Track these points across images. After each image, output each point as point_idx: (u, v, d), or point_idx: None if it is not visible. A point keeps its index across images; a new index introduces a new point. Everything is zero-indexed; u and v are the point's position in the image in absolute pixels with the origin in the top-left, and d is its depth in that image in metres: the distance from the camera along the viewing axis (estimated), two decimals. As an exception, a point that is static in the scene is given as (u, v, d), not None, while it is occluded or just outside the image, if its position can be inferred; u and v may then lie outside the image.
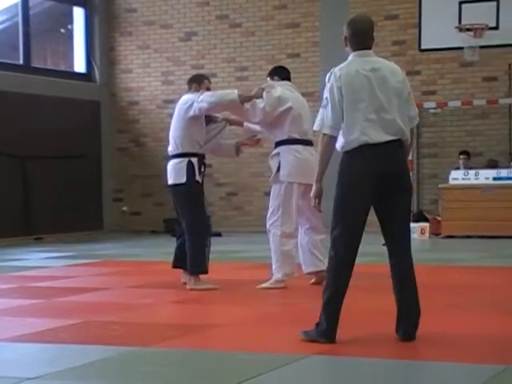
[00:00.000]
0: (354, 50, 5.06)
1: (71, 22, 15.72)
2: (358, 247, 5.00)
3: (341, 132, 4.92)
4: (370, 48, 5.08)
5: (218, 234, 12.66)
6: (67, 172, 14.51)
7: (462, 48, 12.79)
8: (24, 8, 14.24)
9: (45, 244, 12.98)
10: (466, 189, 12.80)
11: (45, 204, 14.10)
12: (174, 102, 15.66)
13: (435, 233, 13.02)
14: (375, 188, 4.92)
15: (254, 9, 14.97)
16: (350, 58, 5.08)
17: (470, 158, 13.49)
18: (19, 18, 14.27)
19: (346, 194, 4.91)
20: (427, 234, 12.93)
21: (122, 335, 5.37)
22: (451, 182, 13.02)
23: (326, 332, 4.91)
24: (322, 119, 4.97)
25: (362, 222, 4.97)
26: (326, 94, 4.97)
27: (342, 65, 5.05)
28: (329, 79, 5.00)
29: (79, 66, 15.64)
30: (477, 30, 12.60)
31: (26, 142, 13.83)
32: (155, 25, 15.57)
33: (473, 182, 12.84)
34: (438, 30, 12.84)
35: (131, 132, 15.64)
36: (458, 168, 13.34)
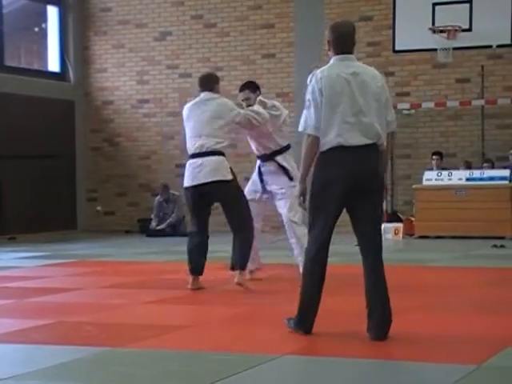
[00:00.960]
0: (336, 53, 5.18)
1: (45, 21, 15.63)
2: (328, 244, 5.18)
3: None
4: (351, 52, 5.20)
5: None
6: (41, 171, 14.42)
7: (435, 49, 12.87)
8: (-3, 6, 14.15)
9: (18, 244, 12.90)
10: (439, 189, 12.88)
11: (18, 203, 14.00)
12: (148, 101, 15.71)
13: (409, 233, 13.09)
14: (347, 189, 5.03)
15: (228, 9, 14.97)
16: (331, 61, 5.19)
17: (442, 159, 13.57)
18: (-8, 17, 14.17)
19: (319, 194, 5.04)
20: (401, 235, 12.99)
21: (95, 336, 5.35)
22: (425, 182, 13.09)
23: (301, 323, 5.11)
24: (306, 120, 5.09)
25: (333, 221, 5.12)
26: (309, 95, 5.09)
27: (323, 67, 5.18)
28: (310, 81, 5.12)
29: (53, 65, 15.56)
30: (450, 32, 12.69)
31: (0, 141, 13.75)
32: (130, 24, 15.52)
33: (446, 182, 12.92)
34: (412, 32, 12.91)
35: (105, 131, 15.58)
36: (431, 169, 13.42)
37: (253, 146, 7.79)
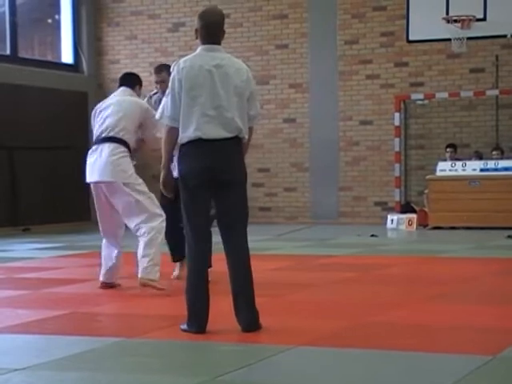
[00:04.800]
0: (203, 43, 5.08)
1: (58, 12, 15.65)
2: (206, 236, 5.03)
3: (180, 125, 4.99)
4: (218, 43, 5.10)
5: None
6: (54, 163, 14.46)
7: (449, 39, 12.81)
8: (11, -2, 14.18)
9: (32, 235, 12.95)
10: (453, 180, 12.84)
11: (32, 195, 14.05)
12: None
13: (422, 224, 13.06)
14: (208, 181, 4.96)
15: (242, -1, 14.95)
16: (197, 50, 5.10)
17: (456, 151, 13.52)
18: (6, 8, 14.19)
19: (183, 187, 5.00)
20: (414, 226, 12.97)
21: (108, 326, 5.38)
22: (438, 173, 13.05)
23: (191, 321, 5.00)
24: (163, 109, 5.05)
25: (202, 212, 5.00)
26: (169, 83, 5.03)
27: (188, 56, 5.09)
28: (172, 69, 5.05)
29: (66, 56, 15.58)
30: (464, 22, 12.62)
31: (13, 133, 13.78)
32: (143, 15, 15.52)
33: (460, 173, 12.87)
34: (426, 22, 12.85)
35: (119, 123, 15.58)
36: (445, 160, 13.37)
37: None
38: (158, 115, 5.13)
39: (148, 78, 15.60)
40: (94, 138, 7.03)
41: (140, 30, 15.54)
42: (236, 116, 4.98)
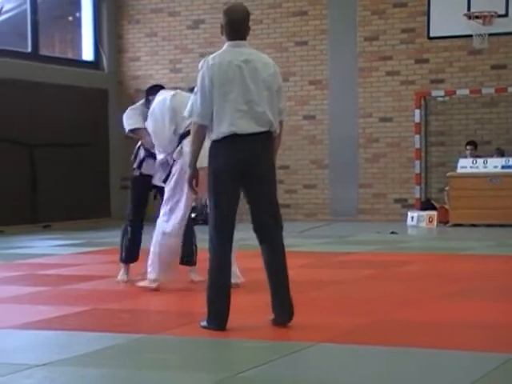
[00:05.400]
0: (229, 39, 5.12)
1: (79, 10, 15.70)
2: (230, 234, 5.05)
3: (212, 122, 4.96)
4: (244, 38, 5.14)
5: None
6: (75, 160, 14.52)
7: (470, 36, 12.74)
8: (32, -4, 14.25)
9: (53, 232, 13.02)
10: (474, 177, 12.77)
11: (53, 192, 14.12)
12: (181, 89, 15.69)
13: (443, 221, 13.00)
14: (240, 176, 4.97)
15: (261, -4, 14.93)
16: (224, 47, 5.13)
17: (476, 149, 13.45)
18: (27, 6, 14.26)
19: (215, 183, 4.98)
20: (435, 223, 12.92)
21: (129, 323, 5.40)
22: (459, 170, 12.99)
23: (212, 319, 4.98)
24: (192, 106, 5.04)
25: (232, 209, 5.01)
26: (198, 82, 5.03)
27: (215, 53, 5.11)
28: (201, 66, 5.05)
29: (87, 53, 15.63)
30: (486, 18, 12.55)
31: (34, 130, 13.85)
32: (163, 12, 15.54)
33: (481, 170, 12.80)
34: (447, 18, 12.79)
35: (139, 120, 15.62)
36: (465, 157, 13.31)
37: None
38: (186, 113, 5.10)
39: (168, 74, 15.65)
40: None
41: (160, 28, 15.57)
42: (267, 110, 5.00)
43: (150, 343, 4.79)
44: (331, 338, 4.78)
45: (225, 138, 4.95)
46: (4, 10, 14.14)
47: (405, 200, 14.05)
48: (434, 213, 13.06)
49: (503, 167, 12.72)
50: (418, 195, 13.64)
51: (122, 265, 7.21)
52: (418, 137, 13.68)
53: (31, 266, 8.48)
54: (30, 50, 14.30)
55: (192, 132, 5.09)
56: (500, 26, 12.57)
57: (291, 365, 4.33)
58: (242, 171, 4.97)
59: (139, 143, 7.45)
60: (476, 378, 3.90)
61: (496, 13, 12.52)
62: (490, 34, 12.63)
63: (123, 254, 7.15)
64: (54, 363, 4.30)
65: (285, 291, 5.08)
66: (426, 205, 13.52)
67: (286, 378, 4.08)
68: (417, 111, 13.68)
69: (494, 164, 12.82)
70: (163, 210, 6.65)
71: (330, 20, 14.50)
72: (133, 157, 7.45)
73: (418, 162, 13.68)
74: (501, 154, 13.26)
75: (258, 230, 5.10)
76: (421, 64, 14.03)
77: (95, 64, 15.57)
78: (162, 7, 15.54)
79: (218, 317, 5.00)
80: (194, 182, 5.11)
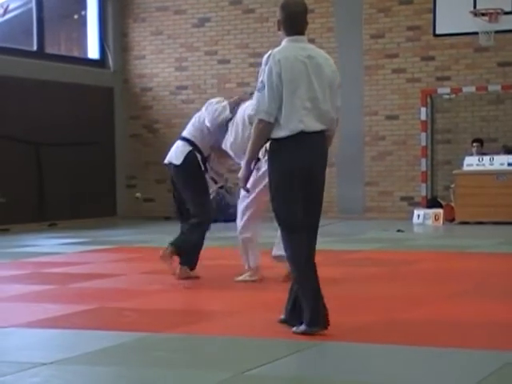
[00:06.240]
0: (288, 34, 4.93)
1: (85, 8, 15.71)
2: (308, 235, 4.84)
3: (278, 119, 4.78)
4: (303, 33, 4.97)
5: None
6: (81, 158, 14.53)
7: (476, 33, 12.71)
8: (37, -6, 14.25)
9: (59, 230, 13.03)
10: (480, 175, 12.74)
11: (59, 190, 14.13)
12: (187, 88, 15.74)
13: (449, 219, 12.98)
14: (307, 175, 4.81)
15: (267, -6, 14.90)
16: (283, 43, 4.94)
17: (482, 146, 13.42)
18: (33, 4, 14.27)
19: (283, 185, 4.80)
20: (441, 220, 12.89)
21: (136, 321, 5.39)
22: (465, 167, 12.96)
23: (314, 319, 4.76)
24: (258, 103, 4.81)
25: (301, 208, 4.82)
26: (263, 77, 4.82)
27: (278, 48, 4.91)
28: (266, 62, 4.85)
29: (93, 52, 15.64)
30: (492, 15, 12.51)
31: (40, 129, 13.86)
32: (169, 11, 15.53)
33: (487, 167, 12.77)
34: (453, 15, 12.76)
35: (144, 118, 15.64)
36: (471, 154, 13.27)
37: None
38: (252, 111, 4.91)
39: (173, 73, 15.64)
40: None
41: (166, 26, 15.56)
42: (330, 107, 4.87)
43: (156, 341, 4.78)
44: (337, 337, 4.77)
45: (293, 136, 4.75)
46: (10, 8, 14.15)
47: (411, 198, 14.02)
48: (440, 211, 13.03)
49: (509, 164, 12.69)
50: (424, 193, 13.62)
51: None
52: (423, 134, 13.66)
53: (37, 264, 8.48)
54: (35, 48, 14.31)
55: (256, 130, 4.80)
56: (506, 23, 12.54)
57: (297, 363, 4.32)
58: (309, 170, 4.79)
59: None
60: (483, 377, 3.89)
61: (502, 10, 12.49)
62: (496, 32, 12.60)
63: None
64: (59, 362, 4.29)
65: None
66: (432, 202, 13.49)
67: (292, 377, 4.07)
68: (423, 109, 13.65)
69: (501, 161, 12.78)
70: (240, 206, 6.88)
71: (337, 18, 14.47)
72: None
73: (423, 160, 13.65)
74: (507, 151, 13.22)
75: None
76: (427, 61, 14.00)
77: (101, 62, 15.57)
78: (167, 5, 15.53)
79: (321, 315, 4.76)
80: (246, 180, 4.95)
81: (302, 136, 4.77)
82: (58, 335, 5.02)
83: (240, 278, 6.98)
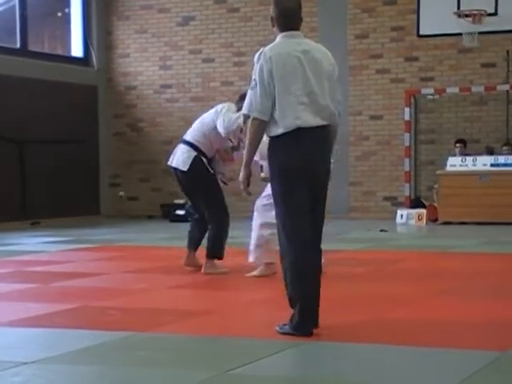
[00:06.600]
0: (282, 30, 4.89)
1: (68, 6, 15.64)
2: (311, 236, 4.76)
3: (273, 116, 4.74)
4: (298, 29, 4.92)
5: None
6: (64, 157, 14.47)
7: (460, 34, 12.76)
8: (21, -8, 14.17)
9: (41, 229, 12.97)
10: (463, 175, 12.79)
11: (41, 189, 14.07)
12: (171, 86, 15.71)
13: (432, 219, 13.02)
14: (308, 171, 4.75)
15: (252, -7, 14.89)
16: (278, 39, 4.90)
17: (466, 147, 13.47)
18: (16, 2, 14.19)
19: (280, 180, 4.76)
20: (424, 221, 12.93)
21: (118, 320, 5.37)
22: (449, 168, 13.01)
23: (301, 322, 4.73)
24: (251, 102, 4.77)
25: (305, 207, 4.75)
26: (255, 75, 4.80)
27: (271, 45, 4.87)
28: (258, 60, 4.84)
29: (76, 50, 15.57)
30: (475, 16, 12.57)
31: (23, 127, 13.79)
32: (153, 9, 15.49)
33: (470, 168, 12.83)
34: (437, 16, 12.80)
35: (128, 117, 15.60)
36: (455, 155, 13.32)
37: None
38: (245, 109, 4.89)
39: (157, 71, 15.60)
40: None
41: (150, 24, 15.52)
42: (329, 102, 4.82)
43: (140, 341, 4.76)
44: (322, 336, 4.77)
45: (289, 132, 4.70)
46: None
47: (394, 198, 14.06)
48: (423, 211, 13.08)
49: (492, 165, 12.75)
50: (407, 193, 13.65)
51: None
52: (407, 135, 13.69)
53: (19, 263, 8.43)
54: (18, 46, 14.23)
55: (250, 130, 4.77)
56: (490, 24, 12.60)
57: (281, 362, 4.32)
58: (308, 167, 4.73)
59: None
60: (466, 376, 3.90)
61: (486, 11, 12.55)
62: (480, 33, 12.65)
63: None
64: (41, 361, 4.27)
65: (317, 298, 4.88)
66: (416, 203, 13.53)
67: (275, 376, 4.06)
68: (406, 109, 13.69)
69: (483, 162, 12.84)
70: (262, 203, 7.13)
71: (320, 18, 14.48)
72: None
73: (407, 160, 13.69)
74: (490, 152, 13.29)
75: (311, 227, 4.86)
76: (411, 62, 14.04)
77: (84, 60, 15.52)
78: (151, 4, 15.50)
79: (309, 319, 4.72)
80: (246, 182, 4.88)
81: (299, 132, 4.73)
82: (40, 334, 4.99)
83: (254, 273, 7.15)
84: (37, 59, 14.32)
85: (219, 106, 7.44)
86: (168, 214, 14.45)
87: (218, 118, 7.27)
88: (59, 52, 15.78)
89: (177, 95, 15.39)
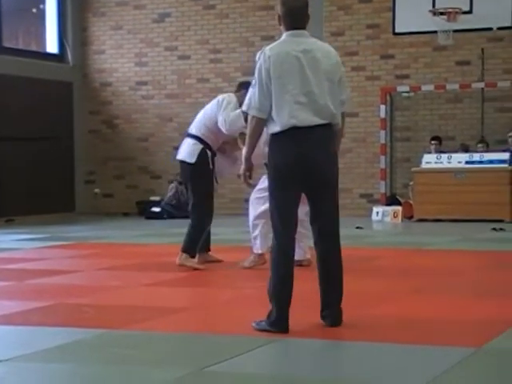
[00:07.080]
0: (288, 29, 4.93)
1: (43, 2, 15.53)
2: (295, 232, 4.92)
3: (271, 114, 4.80)
4: (304, 27, 4.96)
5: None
6: (39, 153, 14.38)
7: (435, 32, 12.81)
8: (-5, -13, 14.05)
9: (16, 226, 12.88)
10: (438, 173, 12.86)
11: (16, 186, 13.97)
12: (147, 83, 15.65)
13: (407, 216, 13.08)
14: (304, 171, 4.79)
15: (228, -10, 14.87)
16: (282, 37, 4.95)
17: (441, 144, 13.54)
18: (-10, -3, 14.08)
19: (274, 177, 4.84)
20: (400, 218, 12.98)
21: (93, 318, 5.34)
22: (424, 165, 13.07)
23: (277, 319, 4.77)
24: (250, 100, 4.87)
25: (295, 206, 4.87)
26: (256, 74, 4.88)
27: (273, 44, 4.93)
28: (258, 58, 4.90)
29: (51, 46, 15.47)
30: (450, 14, 12.62)
31: (-3, 123, 13.68)
32: (128, 5, 15.43)
33: (445, 165, 12.90)
34: (412, 14, 12.84)
35: (104, 113, 15.52)
36: (430, 152, 13.39)
37: None
38: (244, 107, 4.95)
39: (133, 68, 15.54)
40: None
41: (125, 21, 15.45)
42: (328, 102, 4.81)
43: (114, 338, 4.74)
44: (299, 334, 4.77)
45: (285, 131, 4.73)
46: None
47: (370, 195, 14.11)
48: (398, 208, 13.13)
49: (467, 162, 12.82)
50: (383, 190, 13.70)
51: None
52: (383, 132, 13.74)
53: (-7, 260, 8.37)
54: (-8, 42, 14.12)
55: (250, 126, 4.87)
56: (465, 22, 12.65)
57: (257, 359, 4.31)
58: (306, 165, 4.75)
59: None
60: (439, 373, 3.91)
61: (460, 9, 12.60)
62: (455, 31, 12.71)
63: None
64: (14, 359, 4.24)
65: (341, 291, 5.01)
66: (391, 200, 13.58)
67: (251, 373, 4.06)
68: (382, 107, 13.73)
69: (458, 159, 12.91)
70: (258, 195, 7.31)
71: (297, 15, 14.47)
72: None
73: (383, 158, 13.73)
74: (465, 149, 13.37)
75: (317, 226, 4.99)
76: (386, 60, 14.08)
77: (59, 57, 15.42)
78: (127, 0, 15.42)
79: (283, 317, 4.76)
80: (247, 175, 4.99)
81: (295, 131, 4.75)
82: (13, 332, 4.96)
83: (245, 264, 7.34)
84: (11, 55, 14.21)
85: (220, 98, 7.48)
86: (144, 211, 14.41)
87: (219, 114, 7.29)
88: (34, 48, 15.66)
89: (152, 92, 15.34)
